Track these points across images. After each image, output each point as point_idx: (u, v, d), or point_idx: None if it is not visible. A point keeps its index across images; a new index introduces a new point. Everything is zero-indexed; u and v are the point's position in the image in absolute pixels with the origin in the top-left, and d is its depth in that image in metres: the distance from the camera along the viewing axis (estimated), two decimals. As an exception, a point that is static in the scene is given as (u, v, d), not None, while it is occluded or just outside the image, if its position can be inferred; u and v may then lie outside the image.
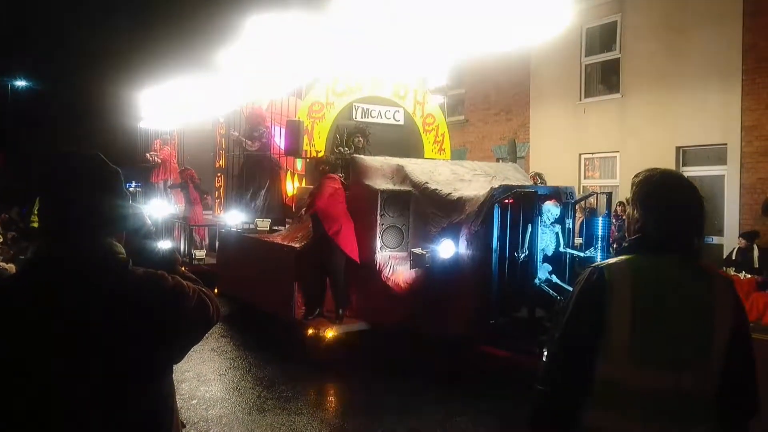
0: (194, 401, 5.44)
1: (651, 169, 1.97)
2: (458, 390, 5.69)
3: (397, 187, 6.57)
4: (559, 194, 6.26)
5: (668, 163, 11.44)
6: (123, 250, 1.64)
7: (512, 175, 7.24)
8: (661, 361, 1.78)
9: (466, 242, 5.87)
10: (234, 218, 9.02)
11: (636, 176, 1.97)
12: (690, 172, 11.64)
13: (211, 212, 12.06)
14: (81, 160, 1.65)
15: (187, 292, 1.66)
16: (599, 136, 13.23)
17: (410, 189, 6.52)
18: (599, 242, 5.95)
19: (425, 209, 6.37)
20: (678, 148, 11.81)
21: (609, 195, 6.67)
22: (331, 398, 5.78)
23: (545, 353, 2.16)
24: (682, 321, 1.80)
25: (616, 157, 13.10)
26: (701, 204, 1.94)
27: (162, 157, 14.01)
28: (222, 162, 11.90)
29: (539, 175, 8.54)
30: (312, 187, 7.11)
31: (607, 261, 1.91)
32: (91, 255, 1.57)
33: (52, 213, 1.62)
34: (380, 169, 6.79)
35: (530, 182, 7.53)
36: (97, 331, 1.50)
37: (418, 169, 6.79)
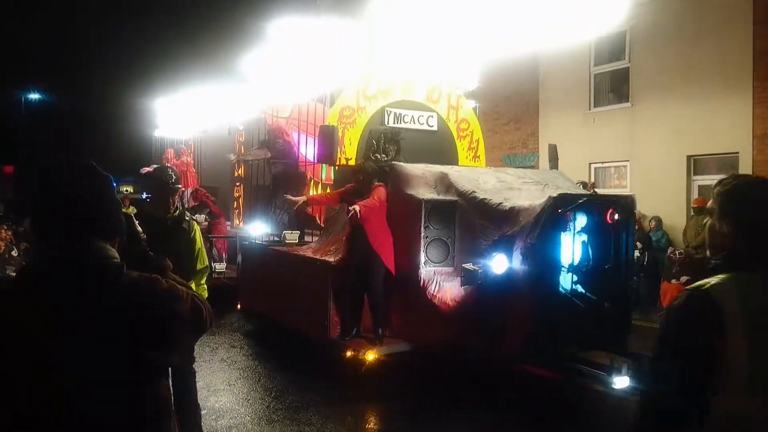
0: (204, 411, 5.13)
1: (735, 177, 1.85)
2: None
3: (441, 197, 6.05)
4: (617, 202, 5.83)
5: (679, 172, 11.35)
6: (116, 255, 1.69)
7: (562, 183, 6.73)
8: None
9: (520, 256, 5.36)
10: (257, 230, 8.53)
11: (719, 185, 1.84)
12: (701, 181, 11.46)
13: (229, 224, 11.57)
14: (72, 168, 1.71)
15: (180, 295, 1.71)
16: (609, 146, 13.08)
17: (456, 198, 6.00)
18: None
19: (473, 220, 5.84)
20: (689, 157, 11.59)
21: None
22: (341, 409, 5.51)
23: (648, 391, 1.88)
24: None
25: (626, 166, 12.90)
26: None
27: (179, 169, 13.53)
28: (241, 171, 11.44)
29: (584, 183, 8.01)
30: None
31: (703, 283, 1.73)
32: (84, 259, 1.61)
33: (45, 220, 1.69)
34: (422, 177, 6.26)
35: (580, 189, 7.03)
36: (93, 333, 1.53)
37: (462, 176, 6.28)
